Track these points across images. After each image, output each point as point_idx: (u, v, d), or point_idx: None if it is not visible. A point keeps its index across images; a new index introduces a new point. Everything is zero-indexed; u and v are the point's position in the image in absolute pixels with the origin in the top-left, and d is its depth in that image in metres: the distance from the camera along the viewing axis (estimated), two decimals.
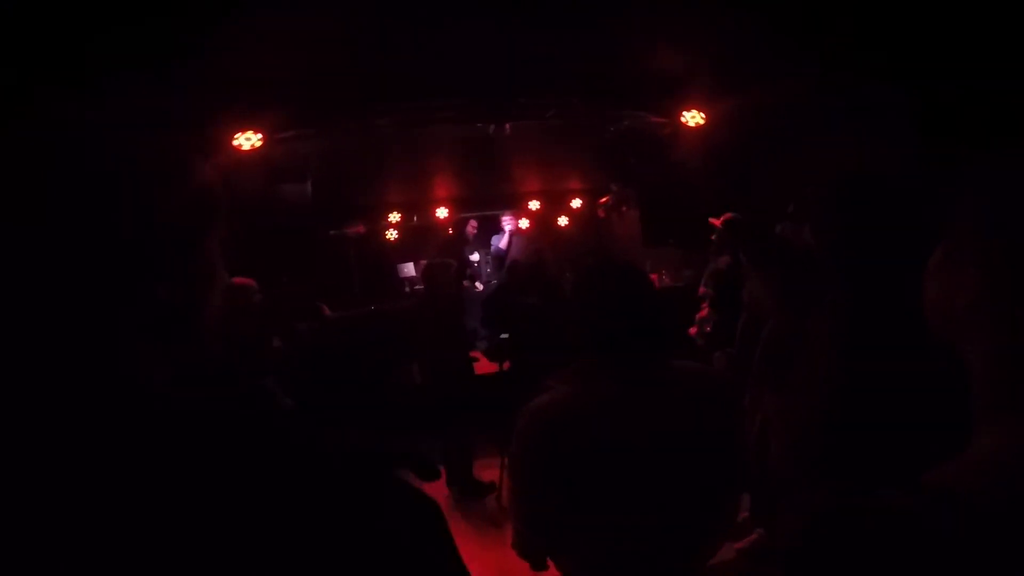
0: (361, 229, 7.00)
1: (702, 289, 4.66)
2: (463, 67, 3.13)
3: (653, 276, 6.53)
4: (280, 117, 3.75)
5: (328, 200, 5.71)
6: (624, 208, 7.20)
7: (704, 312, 3.75)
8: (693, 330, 3.86)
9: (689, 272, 5.70)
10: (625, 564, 1.16)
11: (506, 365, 4.11)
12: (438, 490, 3.96)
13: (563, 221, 7.87)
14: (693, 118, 4.45)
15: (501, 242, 7.21)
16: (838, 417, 1.92)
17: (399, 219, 7.28)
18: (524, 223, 7.70)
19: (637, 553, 1.15)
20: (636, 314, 1.20)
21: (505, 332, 4.19)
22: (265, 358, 4.63)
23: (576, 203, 7.51)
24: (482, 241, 7.51)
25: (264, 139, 3.95)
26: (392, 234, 7.57)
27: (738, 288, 3.23)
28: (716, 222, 3.66)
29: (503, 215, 7.33)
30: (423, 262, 7.84)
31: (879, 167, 3.38)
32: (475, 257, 7.24)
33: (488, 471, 4.04)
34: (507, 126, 4.30)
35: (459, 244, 6.77)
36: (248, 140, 4.00)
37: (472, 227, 6.92)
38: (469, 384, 4.11)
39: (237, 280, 2.20)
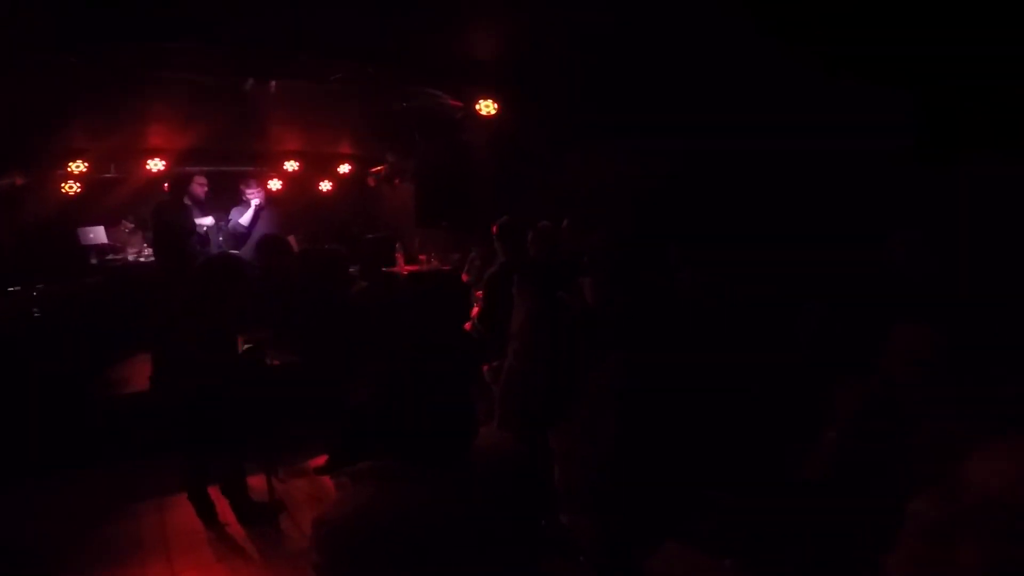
0: (18, 181, 5.07)
1: (465, 276, 4.95)
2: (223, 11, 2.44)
3: (422, 257, 6.57)
4: None
5: None
6: (397, 181, 6.98)
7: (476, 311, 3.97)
8: (467, 326, 4.07)
9: (457, 256, 5.91)
10: None
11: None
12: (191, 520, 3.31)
13: (326, 186, 7.21)
14: (487, 107, 4.49)
15: (243, 217, 6.02)
16: (614, 467, 2.33)
17: (84, 169, 5.51)
18: (276, 184, 6.73)
19: None
20: (441, 421, 1.23)
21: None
22: None
23: (344, 168, 6.92)
24: (217, 204, 6.23)
25: None
26: (72, 187, 5.72)
27: (504, 295, 3.44)
28: (495, 228, 3.87)
29: (246, 185, 6.11)
30: (128, 224, 6.21)
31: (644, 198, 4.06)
32: (206, 221, 5.89)
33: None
34: (272, 84, 3.61)
35: (179, 205, 5.37)
36: None
37: (200, 186, 5.57)
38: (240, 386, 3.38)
39: None
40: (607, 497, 2.48)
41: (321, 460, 4.02)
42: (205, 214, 5.82)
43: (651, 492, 2.34)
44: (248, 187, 6.13)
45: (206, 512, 3.36)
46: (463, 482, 1.23)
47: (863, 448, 1.76)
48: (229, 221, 6.09)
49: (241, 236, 6.06)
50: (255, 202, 5.99)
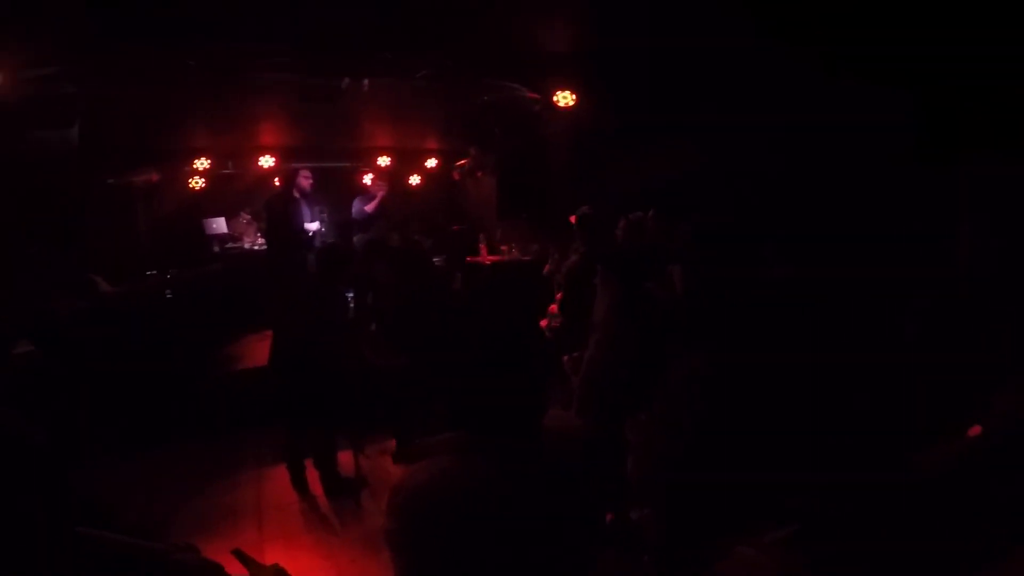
0: (154, 177, 5.77)
1: (547, 268, 4.95)
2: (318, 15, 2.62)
3: (504, 247, 6.66)
4: (31, 51, 2.78)
5: (105, 144, 4.54)
6: (480, 174, 7.13)
7: (554, 308, 3.94)
8: (544, 322, 4.05)
9: (536, 247, 5.94)
10: None
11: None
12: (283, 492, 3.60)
13: (415, 180, 7.53)
14: (564, 99, 4.48)
15: (368, 205, 6.59)
16: (688, 463, 2.25)
17: (208, 166, 6.16)
18: (367, 179, 7.16)
19: None
20: (517, 394, 1.21)
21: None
22: None
23: (431, 163, 7.18)
24: (321, 198, 6.79)
25: (5, 79, 2.92)
26: (198, 183, 6.42)
27: (585, 286, 3.37)
28: (574, 219, 3.83)
29: (365, 176, 6.63)
30: (246, 216, 6.90)
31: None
32: (313, 227, 6.40)
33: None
34: (365, 81, 3.82)
35: (288, 198, 5.88)
36: None
37: (305, 179, 6.07)
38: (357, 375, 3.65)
39: None
40: (679, 493, 2.40)
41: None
42: (311, 206, 6.32)
43: (725, 492, 2.24)
44: (375, 178, 6.78)
45: (300, 482, 3.67)
46: (534, 457, 1.23)
47: (1010, 451, 1.64)
48: (354, 207, 6.65)
49: (364, 222, 6.61)
50: (381, 193, 6.55)
